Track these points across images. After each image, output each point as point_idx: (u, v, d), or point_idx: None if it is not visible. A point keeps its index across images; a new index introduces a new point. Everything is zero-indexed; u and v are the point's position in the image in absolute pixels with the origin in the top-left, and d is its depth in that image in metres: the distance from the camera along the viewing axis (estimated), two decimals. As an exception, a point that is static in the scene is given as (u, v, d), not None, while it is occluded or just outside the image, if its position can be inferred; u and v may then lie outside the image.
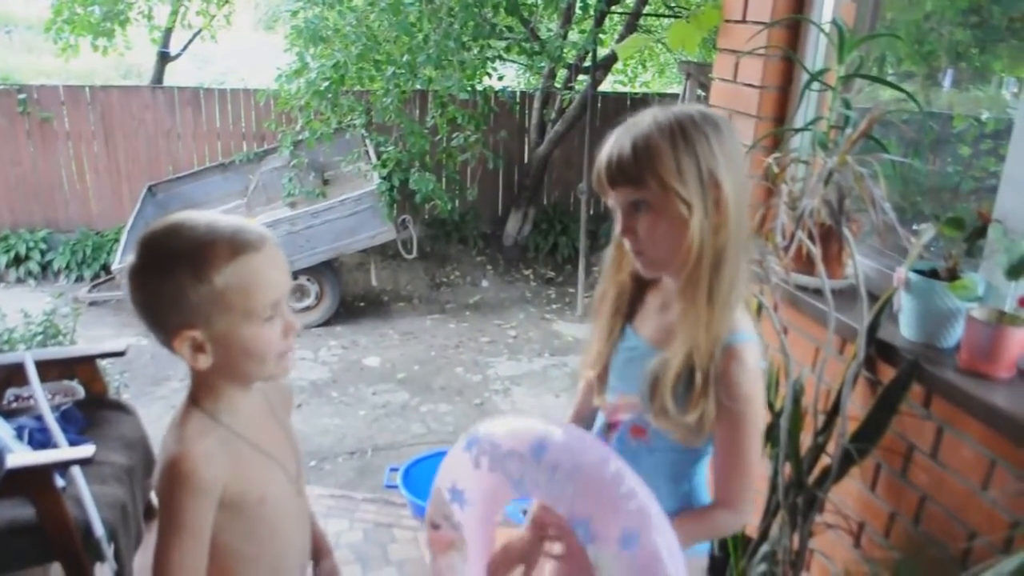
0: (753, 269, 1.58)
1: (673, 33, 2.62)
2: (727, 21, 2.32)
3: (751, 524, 1.83)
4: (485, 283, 7.50)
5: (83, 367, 2.73)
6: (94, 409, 2.63)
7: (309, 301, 6.37)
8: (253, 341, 1.12)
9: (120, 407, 2.73)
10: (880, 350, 1.68)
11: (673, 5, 8.19)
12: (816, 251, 1.71)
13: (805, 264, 1.84)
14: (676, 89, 9.16)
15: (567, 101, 7.58)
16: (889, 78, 2.45)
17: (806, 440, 1.77)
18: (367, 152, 6.67)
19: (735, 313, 1.25)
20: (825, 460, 1.74)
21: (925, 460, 1.59)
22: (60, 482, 2.14)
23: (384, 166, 6.36)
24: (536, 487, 1.20)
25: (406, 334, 6.30)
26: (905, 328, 1.67)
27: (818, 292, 1.78)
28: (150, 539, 1.12)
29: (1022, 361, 1.51)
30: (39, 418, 2.38)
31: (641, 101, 8.22)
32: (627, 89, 9.68)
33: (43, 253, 7.22)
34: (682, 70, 6.69)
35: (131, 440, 2.57)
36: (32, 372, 2.44)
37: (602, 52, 7.21)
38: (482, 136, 6.76)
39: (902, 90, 1.74)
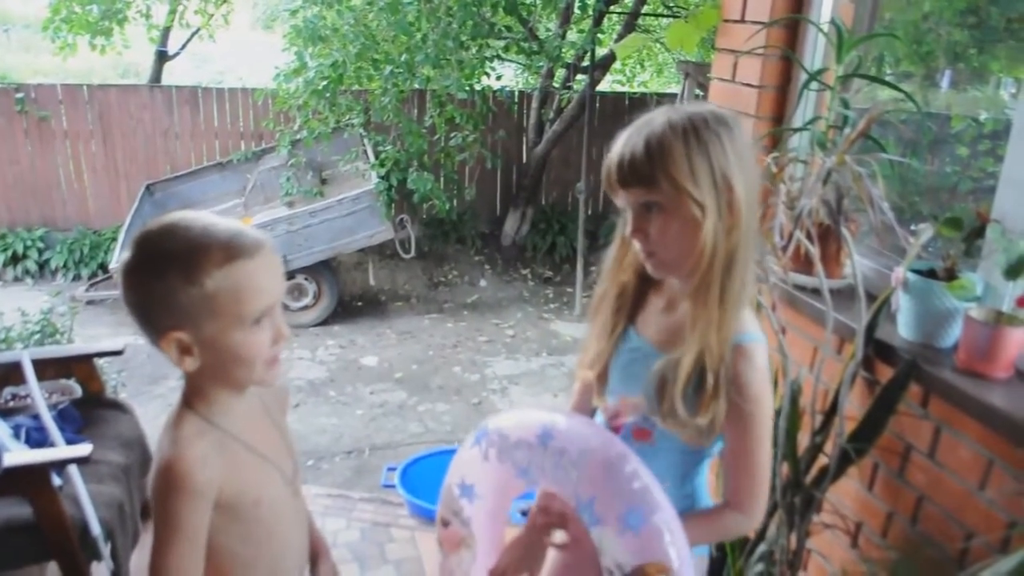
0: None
1: (671, 33, 2.62)
2: (726, 21, 2.32)
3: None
4: (483, 283, 7.50)
5: (80, 366, 2.73)
6: (91, 408, 2.62)
7: (307, 300, 6.37)
8: (241, 347, 1.11)
9: (117, 406, 2.73)
10: (878, 350, 1.68)
11: (672, 5, 8.19)
12: (814, 251, 1.71)
13: (803, 264, 1.84)
14: (674, 89, 9.16)
15: (565, 101, 7.58)
16: (887, 78, 2.45)
17: (804, 440, 1.77)
18: (365, 151, 6.66)
19: (744, 313, 1.25)
20: (823, 460, 1.74)
21: (923, 460, 1.59)
22: (57, 481, 2.14)
23: (382, 165, 6.36)
24: (543, 473, 1.22)
25: (404, 333, 6.29)
26: (903, 328, 1.67)
27: (816, 292, 1.78)
28: (147, 538, 1.12)
29: (1020, 361, 1.51)
30: (36, 417, 2.38)
31: (639, 101, 8.23)
32: (625, 89, 9.68)
33: (40, 252, 7.21)
34: (680, 70, 6.69)
35: (128, 439, 2.57)
36: (29, 371, 2.44)
37: (600, 52, 7.21)
38: (480, 136, 6.76)
39: (900, 90, 1.75)
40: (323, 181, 6.89)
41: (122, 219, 6.80)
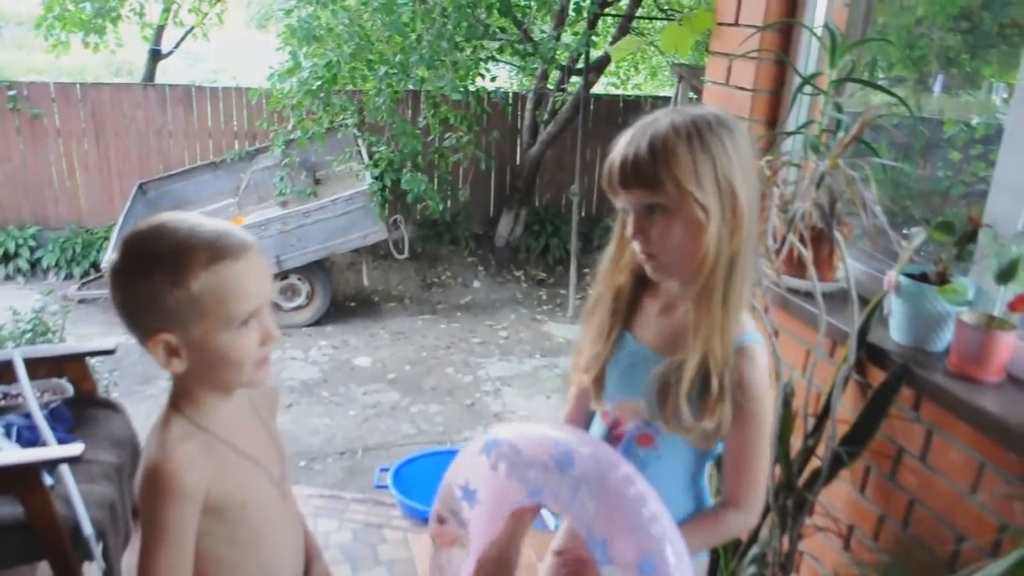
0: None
1: (666, 36, 2.63)
2: (720, 24, 2.33)
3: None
4: (476, 284, 7.50)
5: (72, 365, 2.72)
6: (83, 407, 2.61)
7: (300, 300, 6.36)
8: (228, 349, 1.10)
9: (109, 405, 2.71)
10: (870, 353, 1.69)
11: (666, 8, 8.22)
12: (807, 254, 1.71)
13: (796, 267, 1.85)
14: (668, 92, 9.18)
15: (559, 103, 7.59)
16: (881, 82, 2.46)
17: (796, 443, 1.77)
18: (359, 152, 6.66)
19: (744, 315, 1.25)
20: (815, 463, 1.74)
21: (914, 463, 1.60)
22: (48, 480, 2.13)
23: (376, 166, 6.35)
24: (556, 499, 1.18)
25: (397, 334, 6.29)
26: (895, 332, 1.67)
27: (809, 295, 1.78)
28: (138, 539, 1.11)
29: (1011, 365, 1.51)
30: (27, 416, 2.37)
31: (633, 103, 8.25)
32: (619, 91, 9.71)
33: (32, 250, 7.19)
34: (674, 73, 6.72)
35: (120, 439, 2.56)
36: (21, 370, 2.43)
37: (595, 54, 7.22)
38: (474, 137, 6.76)
39: (893, 95, 1.75)
40: (317, 181, 6.88)
41: (115, 218, 6.79)
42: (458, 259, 7.81)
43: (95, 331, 5.70)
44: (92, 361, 2.86)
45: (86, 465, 2.27)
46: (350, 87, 6.47)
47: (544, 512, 1.48)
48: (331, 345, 6.03)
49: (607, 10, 7.45)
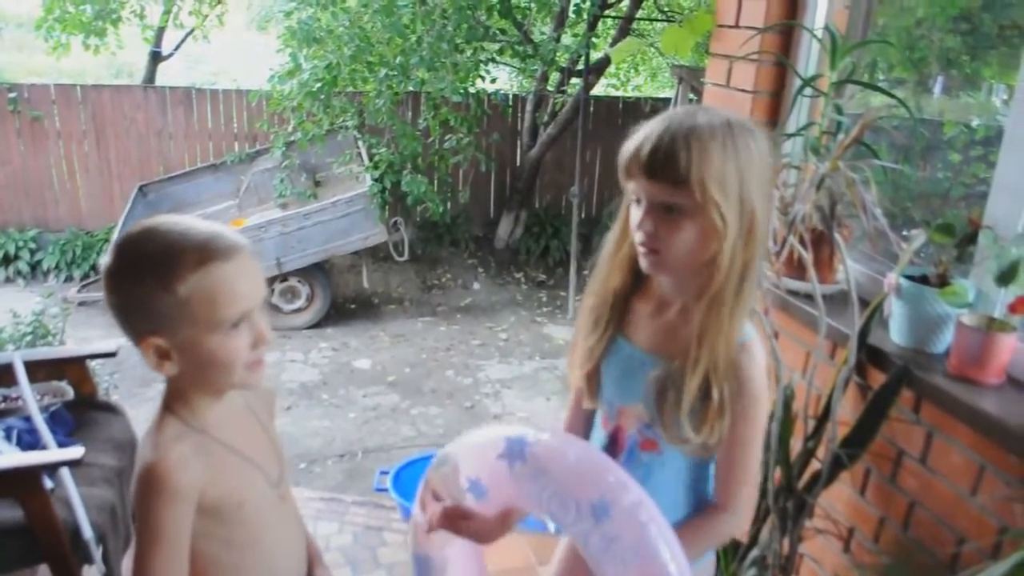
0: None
1: (666, 37, 2.63)
2: (720, 26, 2.33)
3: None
4: (476, 286, 7.50)
5: (72, 368, 2.71)
6: (83, 410, 2.61)
7: (300, 303, 6.36)
8: (219, 351, 1.10)
9: (109, 408, 2.71)
10: (870, 355, 1.69)
11: (666, 9, 8.22)
12: (807, 256, 1.71)
13: (796, 269, 1.85)
14: (668, 93, 9.18)
15: (559, 104, 7.59)
16: (881, 84, 2.46)
17: (796, 445, 1.77)
18: (359, 154, 6.65)
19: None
20: (815, 465, 1.74)
21: (914, 465, 1.59)
22: (48, 484, 2.13)
23: (376, 168, 6.35)
24: (585, 545, 1.12)
25: (397, 336, 6.29)
26: (895, 334, 1.67)
27: (809, 297, 1.78)
28: (138, 541, 1.11)
29: (1011, 367, 1.51)
30: (28, 419, 2.36)
31: (633, 105, 8.27)
32: (620, 93, 9.71)
33: (32, 253, 7.18)
34: (675, 74, 6.72)
35: (120, 442, 2.55)
36: (21, 372, 2.43)
37: (595, 56, 7.22)
38: (474, 139, 6.76)
39: (893, 96, 1.75)
40: (317, 183, 6.88)
41: (115, 220, 6.79)
42: (458, 261, 7.81)
43: (95, 334, 5.69)
44: (92, 364, 2.86)
45: (86, 468, 2.27)
46: (350, 89, 6.47)
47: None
48: (331, 347, 6.02)
49: (607, 12, 7.46)
